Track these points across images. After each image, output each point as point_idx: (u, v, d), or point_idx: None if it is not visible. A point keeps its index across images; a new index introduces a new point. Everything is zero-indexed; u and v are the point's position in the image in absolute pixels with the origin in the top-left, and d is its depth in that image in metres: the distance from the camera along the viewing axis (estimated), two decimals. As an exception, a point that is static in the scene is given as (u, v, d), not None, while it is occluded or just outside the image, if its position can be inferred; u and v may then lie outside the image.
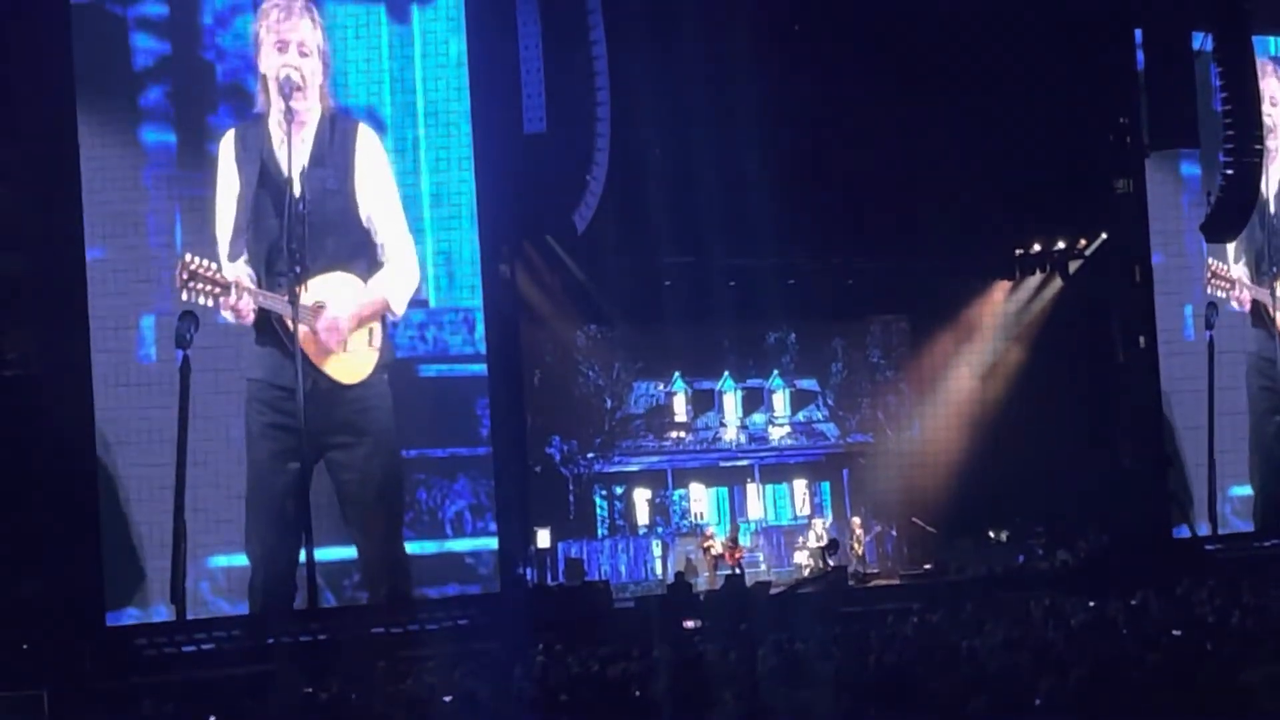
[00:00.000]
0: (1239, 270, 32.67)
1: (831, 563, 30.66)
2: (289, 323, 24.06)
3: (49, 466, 22.83)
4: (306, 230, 24.08)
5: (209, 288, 23.57)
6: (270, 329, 24.11)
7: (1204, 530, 31.66)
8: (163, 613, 23.41)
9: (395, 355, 25.27)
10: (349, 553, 24.81)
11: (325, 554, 24.44)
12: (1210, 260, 32.17)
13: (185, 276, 23.40)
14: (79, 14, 23.52)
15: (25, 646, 22.12)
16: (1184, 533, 31.38)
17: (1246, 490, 32.41)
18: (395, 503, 25.30)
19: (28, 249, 23.63)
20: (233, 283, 23.72)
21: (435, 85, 25.82)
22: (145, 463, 23.37)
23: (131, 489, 23.33)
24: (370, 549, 24.95)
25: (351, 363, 24.89)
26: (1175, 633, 17.19)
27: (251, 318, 23.95)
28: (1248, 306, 32.76)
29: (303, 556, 24.07)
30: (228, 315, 23.84)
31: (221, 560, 23.84)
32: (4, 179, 23.50)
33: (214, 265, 23.67)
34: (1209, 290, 32.27)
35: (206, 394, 23.73)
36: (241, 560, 23.94)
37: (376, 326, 25.13)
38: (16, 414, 23.03)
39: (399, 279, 25.34)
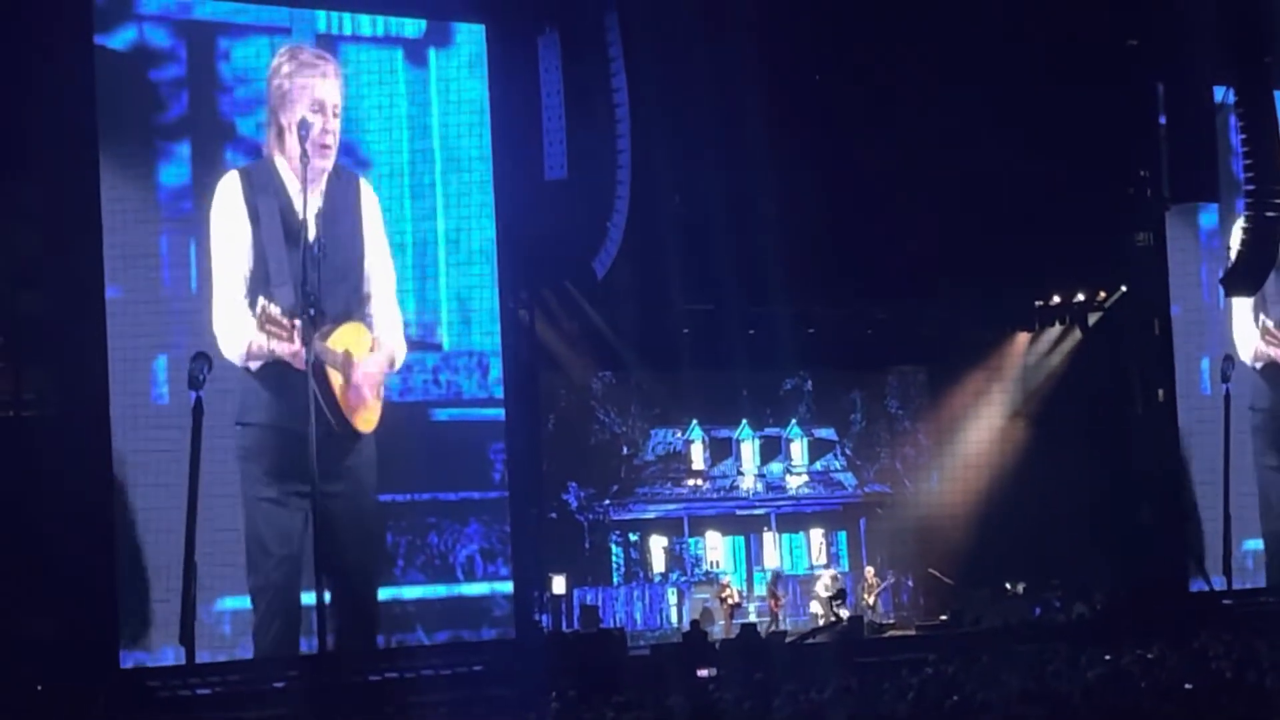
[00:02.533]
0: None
1: (844, 613, 30.58)
2: (328, 369, 24.14)
3: (65, 506, 22.78)
4: (320, 276, 23.93)
5: (280, 332, 23.70)
6: (281, 375, 24.01)
7: (1220, 584, 31.51)
8: (174, 655, 23.36)
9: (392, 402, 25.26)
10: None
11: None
12: (1262, 317, 32.27)
13: (264, 320, 23.56)
14: (102, 53, 23.58)
15: (39, 688, 22.08)
16: (1200, 586, 31.24)
17: (1259, 544, 32.34)
18: (378, 547, 25.22)
19: (47, 287, 23.67)
20: (294, 329, 23.78)
21: (453, 129, 25.87)
22: (158, 503, 23.35)
23: (145, 529, 23.32)
24: (346, 594, 24.71)
25: (370, 413, 24.89)
26: (1188, 686, 17.12)
27: (302, 365, 23.83)
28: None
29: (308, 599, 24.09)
30: (289, 359, 23.90)
31: (231, 602, 23.80)
32: (24, 217, 23.56)
33: (278, 307, 23.72)
34: (1266, 345, 32.29)
35: (219, 435, 23.69)
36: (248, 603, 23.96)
37: (382, 378, 25.17)
38: (33, 453, 23.02)
39: (395, 334, 25.37)
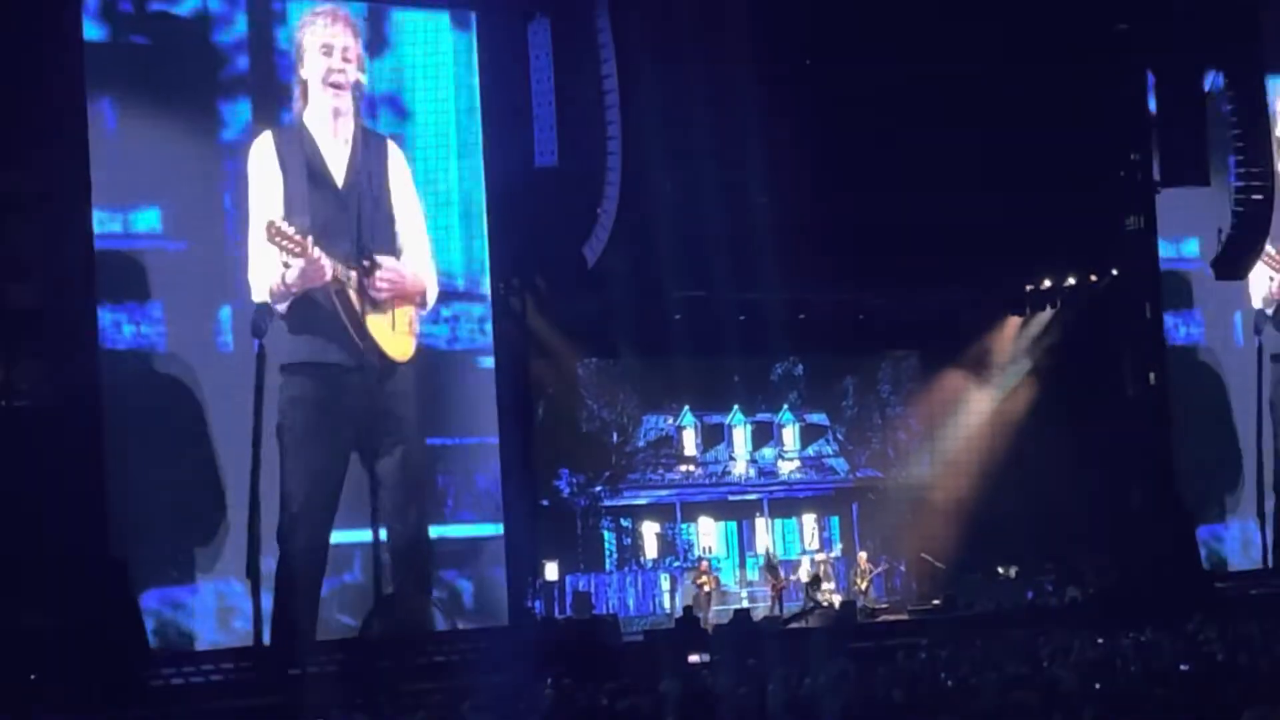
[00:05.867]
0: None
1: (836, 598, 30.60)
2: (350, 293, 24.96)
3: (57, 495, 22.77)
4: (348, 217, 25.09)
5: (291, 245, 24.33)
6: (309, 313, 24.70)
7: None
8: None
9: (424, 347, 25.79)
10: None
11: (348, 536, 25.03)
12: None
13: (272, 233, 24.18)
14: (166, 18, 24.33)
15: (33, 677, 22.08)
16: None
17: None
18: (428, 487, 25.70)
19: (38, 278, 23.68)
20: (309, 243, 24.49)
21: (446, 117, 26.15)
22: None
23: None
24: (402, 535, 25.27)
25: (400, 342, 25.50)
26: (1183, 667, 17.15)
27: (325, 278, 24.66)
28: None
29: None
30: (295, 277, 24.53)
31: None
32: (15, 208, 23.56)
33: (292, 227, 24.39)
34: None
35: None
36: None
37: (414, 312, 25.68)
38: (26, 444, 23.03)
39: (424, 272, 25.92)
